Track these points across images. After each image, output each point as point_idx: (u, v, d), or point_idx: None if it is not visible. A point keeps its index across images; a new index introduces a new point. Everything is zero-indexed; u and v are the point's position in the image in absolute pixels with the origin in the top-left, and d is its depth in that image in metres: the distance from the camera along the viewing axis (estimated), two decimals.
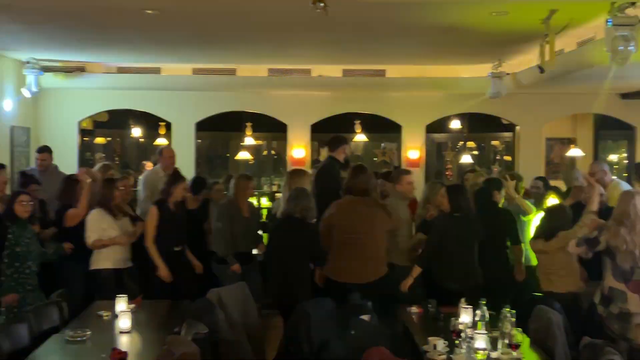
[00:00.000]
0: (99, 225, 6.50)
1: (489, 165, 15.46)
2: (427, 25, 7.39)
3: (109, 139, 16.05)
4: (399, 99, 11.76)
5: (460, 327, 4.76)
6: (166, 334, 4.78)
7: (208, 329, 4.92)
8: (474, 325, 4.85)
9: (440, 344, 4.66)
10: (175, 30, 7.86)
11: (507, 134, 14.37)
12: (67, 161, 10.04)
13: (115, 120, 13.93)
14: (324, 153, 9.40)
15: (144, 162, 12.98)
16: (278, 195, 9.87)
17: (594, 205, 5.92)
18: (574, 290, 5.91)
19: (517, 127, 12.14)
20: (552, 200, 7.18)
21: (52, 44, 8.97)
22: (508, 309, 4.73)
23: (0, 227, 6.01)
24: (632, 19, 5.53)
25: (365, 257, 6.17)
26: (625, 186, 7.16)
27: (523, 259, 6.79)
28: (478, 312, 4.84)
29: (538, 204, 7.26)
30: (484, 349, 4.50)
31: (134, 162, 15.29)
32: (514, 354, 4.46)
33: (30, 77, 10.12)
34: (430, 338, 4.74)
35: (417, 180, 9.27)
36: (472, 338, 4.57)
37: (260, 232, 7.80)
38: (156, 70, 10.84)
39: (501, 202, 7.05)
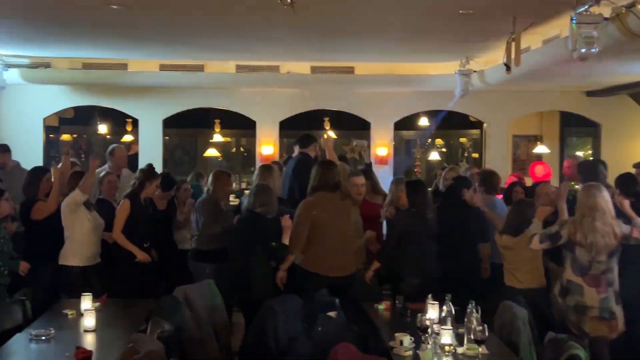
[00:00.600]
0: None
1: (457, 162, 15.55)
2: (395, 23, 7.41)
3: (74, 135, 15.84)
4: (367, 96, 11.80)
5: (427, 323, 4.79)
6: (131, 332, 4.74)
7: (174, 326, 4.88)
8: (440, 321, 4.88)
9: (407, 340, 4.68)
10: (142, 25, 7.77)
11: (475, 131, 14.49)
12: (32, 158, 9.87)
13: (81, 117, 13.75)
14: (296, 150, 9.44)
15: None
16: (247, 192, 9.83)
17: (565, 215, 6.00)
18: (536, 287, 5.98)
19: (485, 125, 12.25)
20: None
21: (15, 39, 8.82)
22: (473, 304, 4.76)
23: None
24: (596, 17, 5.58)
25: (346, 249, 6.28)
26: None
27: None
28: (445, 307, 4.87)
29: None
30: (450, 345, 4.53)
31: (101, 159, 15.07)
32: (479, 349, 4.49)
33: None
34: (396, 334, 4.76)
35: (385, 177, 9.34)
36: (438, 334, 4.60)
37: None
38: (123, 66, 10.71)
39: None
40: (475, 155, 14.89)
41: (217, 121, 13.33)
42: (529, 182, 9.05)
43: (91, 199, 6.79)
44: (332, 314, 5.29)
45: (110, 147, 8.49)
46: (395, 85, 11.27)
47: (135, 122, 12.53)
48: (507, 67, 7.27)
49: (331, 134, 13.73)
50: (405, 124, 13.23)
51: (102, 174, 7.28)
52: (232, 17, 7.16)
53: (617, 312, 5.43)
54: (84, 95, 11.58)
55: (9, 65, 10.14)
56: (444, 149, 16.48)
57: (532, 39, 7.77)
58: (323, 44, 8.96)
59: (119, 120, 13.95)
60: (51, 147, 13.37)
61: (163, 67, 10.74)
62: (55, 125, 14.02)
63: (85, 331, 4.98)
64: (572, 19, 5.61)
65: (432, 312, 5.06)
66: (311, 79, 10.85)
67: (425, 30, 7.81)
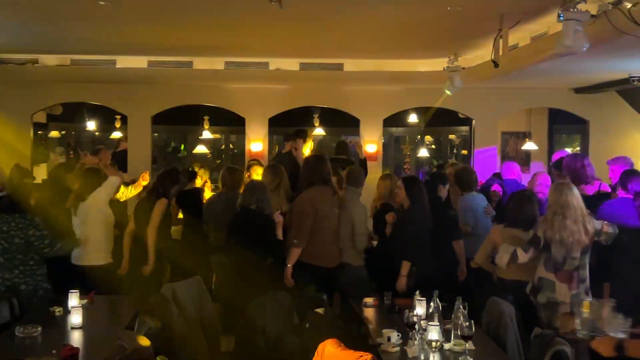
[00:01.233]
0: None
1: (446, 159, 15.60)
2: (383, 19, 7.41)
3: (63, 132, 15.78)
4: (356, 92, 11.80)
5: (414, 319, 4.80)
6: (119, 330, 4.74)
7: (161, 323, 4.88)
8: (428, 317, 4.89)
9: (394, 336, 4.70)
10: (129, 21, 7.74)
11: (464, 128, 14.51)
12: (20, 155, 9.84)
13: (70, 114, 13.69)
14: (288, 146, 9.57)
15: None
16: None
17: None
18: (524, 280, 6.00)
19: (473, 121, 12.26)
20: None
21: (2, 35, 8.76)
22: (460, 300, 4.78)
23: None
24: (583, 14, 5.59)
25: (336, 241, 6.60)
26: None
27: None
28: (432, 304, 4.88)
29: None
30: (437, 341, 4.54)
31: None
32: (466, 345, 4.50)
33: None
34: (384, 330, 4.77)
35: (375, 173, 9.37)
36: (425, 330, 4.62)
37: None
38: (111, 63, 10.64)
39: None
40: (464, 152, 14.92)
41: (206, 118, 13.28)
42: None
43: None
44: (320, 310, 5.31)
45: (95, 148, 8.84)
46: (384, 82, 11.27)
47: (124, 119, 12.47)
48: (495, 64, 7.29)
49: (320, 130, 13.72)
50: (395, 120, 13.24)
51: None
52: (220, 13, 7.15)
53: None
54: (73, 92, 11.52)
55: None
56: (433, 146, 16.50)
57: (520, 37, 7.78)
58: (312, 41, 8.95)
59: (108, 117, 13.89)
60: (39, 143, 13.32)
61: (151, 64, 10.68)
62: (44, 122, 13.97)
63: (73, 328, 4.98)
64: (559, 16, 5.62)
65: (420, 308, 5.08)
66: (300, 76, 10.83)
67: (414, 26, 7.81)
